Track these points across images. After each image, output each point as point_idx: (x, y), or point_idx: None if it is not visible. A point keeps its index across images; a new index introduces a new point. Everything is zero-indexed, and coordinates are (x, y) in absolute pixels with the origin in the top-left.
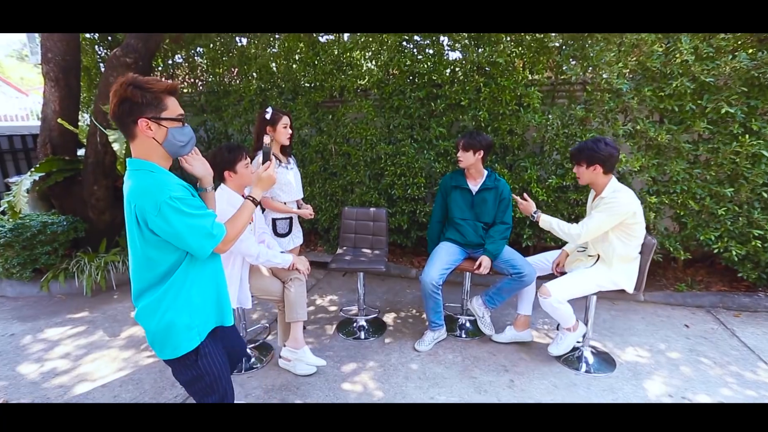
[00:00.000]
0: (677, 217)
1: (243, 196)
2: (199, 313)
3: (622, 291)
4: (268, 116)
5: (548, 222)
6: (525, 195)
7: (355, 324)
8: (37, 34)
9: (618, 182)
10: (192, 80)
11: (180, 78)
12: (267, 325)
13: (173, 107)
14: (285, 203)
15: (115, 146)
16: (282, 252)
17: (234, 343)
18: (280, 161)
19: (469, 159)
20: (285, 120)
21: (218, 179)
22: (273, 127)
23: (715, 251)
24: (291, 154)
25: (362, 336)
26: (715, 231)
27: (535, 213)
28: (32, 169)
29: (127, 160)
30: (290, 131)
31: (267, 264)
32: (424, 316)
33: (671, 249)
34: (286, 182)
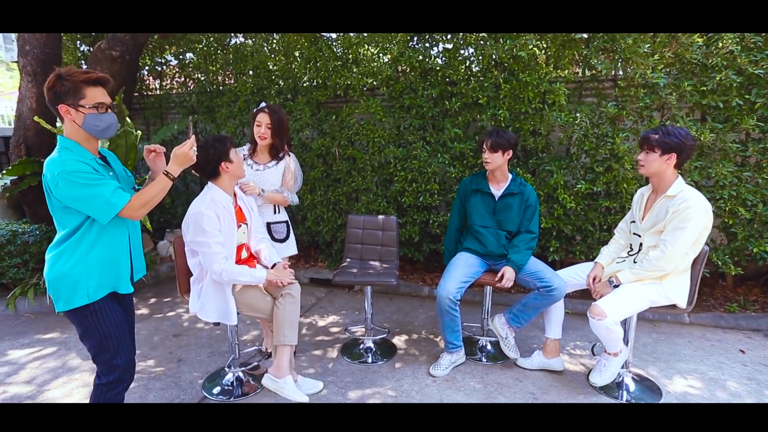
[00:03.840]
0: (725, 227)
1: (233, 192)
2: (92, 275)
3: (671, 307)
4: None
5: (629, 275)
6: (591, 280)
7: (361, 345)
8: None
9: (684, 181)
10: (182, 79)
11: (169, 77)
12: (263, 348)
13: (92, 96)
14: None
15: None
16: (269, 265)
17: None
18: (249, 158)
19: (497, 160)
20: (258, 118)
21: (212, 174)
22: (252, 124)
23: None
24: (278, 157)
25: (369, 359)
26: None
27: (611, 282)
28: (3, 172)
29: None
30: (264, 130)
31: (233, 282)
32: (439, 338)
33: (720, 263)
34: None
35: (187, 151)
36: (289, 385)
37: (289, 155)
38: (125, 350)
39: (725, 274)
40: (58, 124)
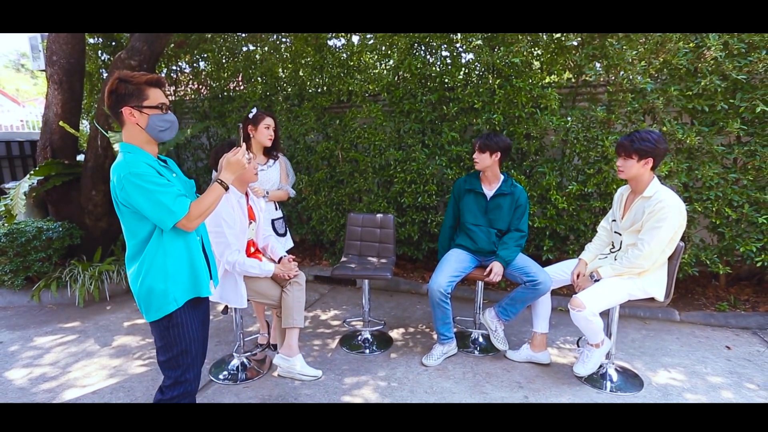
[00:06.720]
0: (713, 227)
1: (245, 193)
2: (174, 281)
3: (651, 301)
4: (250, 116)
5: (609, 271)
6: (576, 276)
7: (359, 337)
8: (40, 41)
9: (659, 182)
10: (195, 86)
11: (183, 84)
12: (265, 335)
13: (155, 97)
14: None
15: (116, 147)
16: (275, 259)
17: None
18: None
19: (485, 161)
20: (267, 121)
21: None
22: (255, 127)
23: (758, 264)
24: (274, 156)
25: (366, 350)
26: (757, 242)
27: (592, 276)
28: (31, 173)
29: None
30: (272, 133)
31: (244, 273)
32: (434, 332)
33: (708, 262)
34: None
35: (241, 158)
36: (300, 362)
37: (282, 154)
38: (197, 365)
39: (717, 275)
40: (82, 128)
